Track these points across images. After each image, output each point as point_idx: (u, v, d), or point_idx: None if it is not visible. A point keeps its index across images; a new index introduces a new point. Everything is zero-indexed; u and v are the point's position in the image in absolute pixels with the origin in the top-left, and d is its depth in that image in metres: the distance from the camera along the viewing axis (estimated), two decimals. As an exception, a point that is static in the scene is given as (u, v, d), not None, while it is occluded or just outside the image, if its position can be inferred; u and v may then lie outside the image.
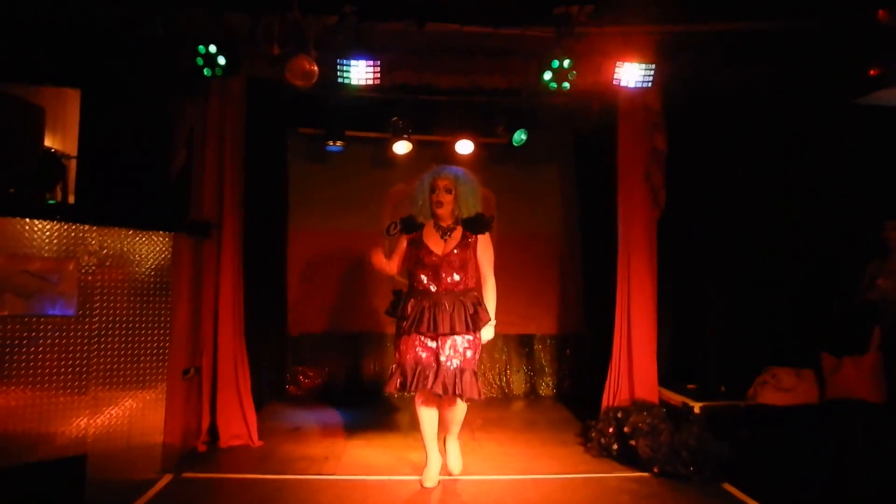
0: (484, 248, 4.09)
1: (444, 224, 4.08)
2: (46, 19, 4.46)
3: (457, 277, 3.99)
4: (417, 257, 4.02)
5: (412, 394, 4.03)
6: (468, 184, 4.08)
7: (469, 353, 3.96)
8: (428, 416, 4.09)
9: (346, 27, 4.59)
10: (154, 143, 4.79)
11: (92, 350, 3.71)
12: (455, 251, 3.99)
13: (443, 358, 3.91)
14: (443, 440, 4.30)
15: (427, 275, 3.99)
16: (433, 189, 4.06)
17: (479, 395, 3.94)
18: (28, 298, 3.42)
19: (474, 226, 4.08)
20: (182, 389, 4.52)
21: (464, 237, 4.05)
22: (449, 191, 4.03)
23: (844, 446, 4.38)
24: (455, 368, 3.89)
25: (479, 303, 4.04)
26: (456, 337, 3.92)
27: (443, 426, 4.19)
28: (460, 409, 4.08)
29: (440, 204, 4.03)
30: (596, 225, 5.99)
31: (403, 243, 4.15)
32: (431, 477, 4.10)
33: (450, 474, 4.25)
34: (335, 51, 4.67)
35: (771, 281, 5.49)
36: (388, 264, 4.14)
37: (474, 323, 3.96)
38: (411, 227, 4.13)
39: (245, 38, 4.70)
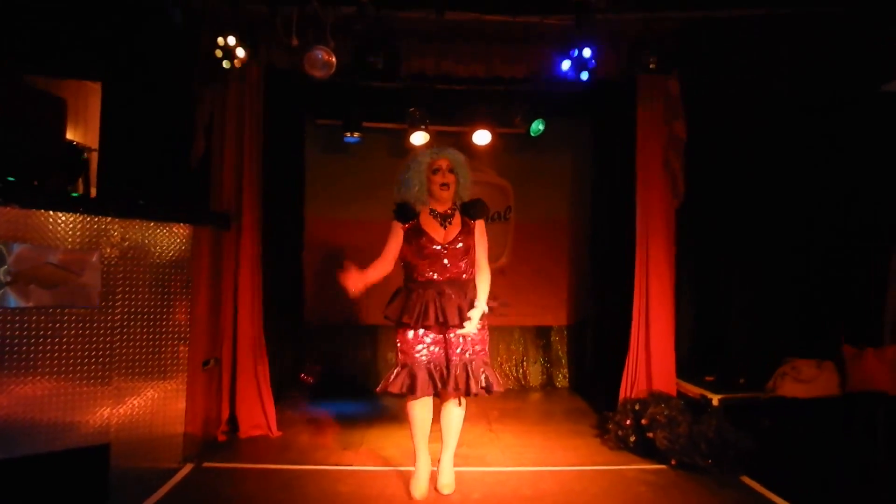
0: (481, 233, 3.79)
1: (442, 209, 3.73)
2: (67, 11, 4.48)
3: (460, 265, 3.68)
4: (417, 247, 3.65)
5: (419, 397, 3.67)
6: (464, 166, 3.75)
7: (479, 347, 3.71)
8: (422, 416, 3.76)
9: (365, 17, 4.57)
10: (174, 136, 4.83)
11: (115, 341, 3.75)
12: (458, 238, 3.68)
13: (455, 354, 3.65)
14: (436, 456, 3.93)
15: (429, 265, 3.65)
16: (435, 170, 3.68)
17: (500, 384, 3.72)
18: (52, 290, 3.46)
19: (474, 210, 3.77)
20: (202, 380, 4.57)
21: (464, 223, 3.73)
22: (451, 171, 3.69)
23: (866, 439, 4.34)
24: (471, 364, 3.65)
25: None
26: (463, 329, 3.64)
27: (440, 437, 3.86)
28: (458, 415, 3.79)
29: (446, 186, 3.68)
30: (613, 214, 5.95)
31: (400, 234, 3.73)
32: (421, 487, 3.78)
33: (438, 492, 3.82)
34: (353, 41, 4.66)
35: (791, 271, 5.43)
36: (375, 270, 3.65)
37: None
38: (409, 214, 3.73)
39: (263, 28, 4.71)
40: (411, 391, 3.59)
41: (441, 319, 3.58)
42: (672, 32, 4.91)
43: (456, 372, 3.62)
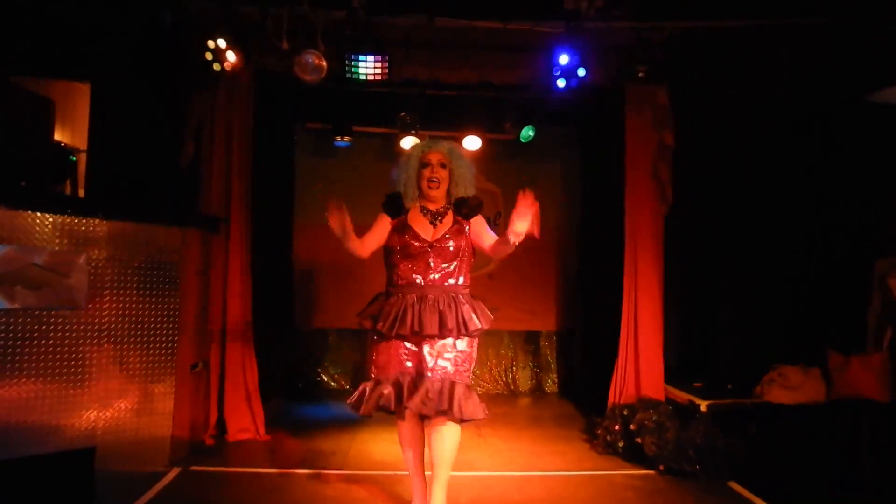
0: (482, 226, 3.38)
1: (433, 207, 3.37)
2: (56, 12, 4.46)
3: (448, 268, 3.25)
4: (402, 245, 3.26)
5: (393, 413, 3.29)
6: (462, 160, 3.41)
7: (461, 363, 3.21)
8: (412, 438, 3.37)
9: (356, 22, 4.58)
10: (163, 137, 4.82)
11: (102, 343, 3.72)
12: (447, 236, 3.27)
13: (427, 366, 3.16)
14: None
15: (413, 265, 3.24)
16: (424, 164, 3.34)
17: (484, 412, 3.20)
18: (38, 291, 3.43)
19: (466, 208, 3.37)
20: (190, 383, 4.54)
21: (455, 222, 3.34)
22: (444, 166, 3.34)
23: (852, 445, 4.36)
24: (443, 380, 3.14)
25: (475, 304, 3.31)
26: (445, 341, 3.18)
27: (429, 463, 3.35)
28: (450, 437, 3.21)
29: (435, 182, 3.32)
30: (602, 221, 5.98)
31: (385, 226, 3.35)
32: None
33: None
34: (344, 45, 4.67)
35: (778, 278, 5.47)
36: (358, 242, 3.23)
37: (469, 325, 3.19)
38: (398, 208, 3.37)
39: (254, 31, 4.71)
40: (385, 409, 3.20)
41: (416, 328, 3.14)
42: (662, 42, 4.94)
43: (427, 387, 3.12)
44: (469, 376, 3.26)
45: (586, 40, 4.75)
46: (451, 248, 3.27)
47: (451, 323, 3.14)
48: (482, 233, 3.35)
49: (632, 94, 5.19)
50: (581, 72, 4.76)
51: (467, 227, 3.35)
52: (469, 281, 3.36)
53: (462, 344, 3.22)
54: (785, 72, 5.06)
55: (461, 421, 3.16)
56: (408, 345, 3.24)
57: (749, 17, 4.74)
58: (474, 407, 3.17)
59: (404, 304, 3.20)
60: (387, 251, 3.37)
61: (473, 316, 3.23)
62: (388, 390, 3.19)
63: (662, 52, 4.94)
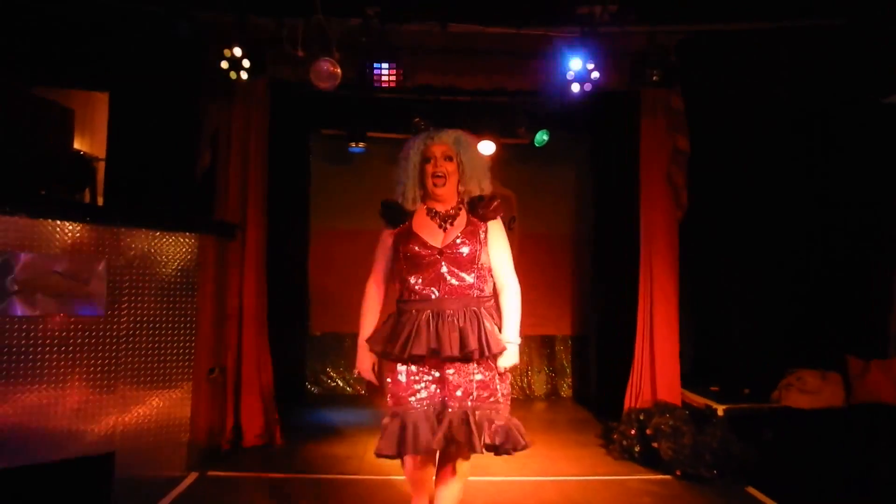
0: (498, 237, 2.86)
1: (442, 208, 2.86)
2: (76, 24, 4.54)
3: (466, 278, 2.76)
4: (408, 256, 2.79)
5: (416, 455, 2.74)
6: (472, 149, 2.92)
7: (490, 395, 2.72)
8: (418, 479, 2.89)
9: (370, 29, 4.62)
10: (180, 145, 4.87)
11: (120, 349, 3.76)
12: (460, 241, 2.77)
13: (453, 399, 2.70)
14: None
15: (424, 277, 2.76)
16: (427, 159, 2.85)
17: (524, 443, 2.71)
18: (58, 299, 3.48)
19: (484, 208, 2.85)
20: (207, 389, 4.58)
21: (469, 224, 2.83)
22: (449, 159, 2.84)
23: (870, 451, 4.32)
24: (474, 413, 2.66)
25: (496, 316, 2.84)
26: (470, 365, 2.71)
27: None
28: (454, 486, 2.82)
29: (440, 178, 2.81)
30: (617, 226, 5.97)
31: (388, 243, 2.89)
32: None
33: None
34: (359, 53, 4.70)
35: (796, 282, 5.43)
36: (367, 305, 2.95)
37: (492, 346, 2.70)
38: (396, 216, 2.88)
39: (269, 40, 4.75)
40: (402, 450, 2.67)
41: (434, 346, 2.66)
42: (675, 46, 4.93)
43: (451, 422, 2.65)
44: (505, 405, 2.78)
45: (600, 45, 4.75)
46: (466, 254, 2.76)
47: (473, 343, 2.66)
48: (497, 251, 2.85)
49: (646, 99, 5.19)
50: (595, 76, 4.75)
51: (483, 229, 2.83)
52: (492, 290, 2.86)
53: (488, 366, 2.75)
54: (798, 73, 5.04)
55: (504, 451, 2.68)
56: (426, 368, 2.75)
57: (757, 19, 4.72)
58: (508, 436, 2.67)
59: (418, 322, 2.70)
60: (396, 266, 2.89)
61: (498, 333, 2.75)
62: (408, 424, 2.67)
63: (676, 56, 4.92)
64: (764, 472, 4.23)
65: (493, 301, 2.84)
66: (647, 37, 4.93)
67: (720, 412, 4.67)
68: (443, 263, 2.76)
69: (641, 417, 4.74)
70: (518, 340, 2.80)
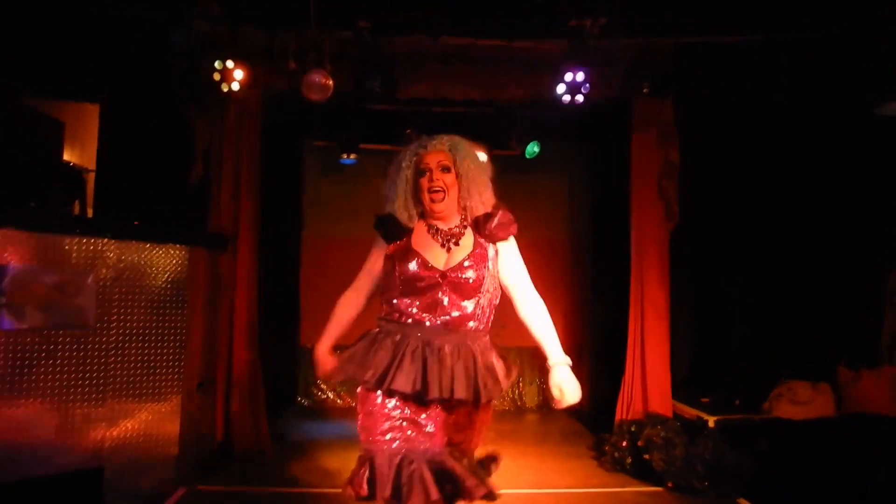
0: (513, 256, 2.56)
1: (444, 226, 2.51)
2: (66, 34, 4.53)
3: (467, 307, 2.41)
4: (404, 277, 2.42)
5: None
6: (471, 156, 2.56)
7: (475, 436, 2.47)
8: None
9: (362, 41, 4.63)
10: (172, 156, 4.86)
11: (109, 362, 3.74)
12: (467, 264, 2.42)
13: (429, 440, 2.34)
14: None
15: (420, 301, 2.40)
16: (421, 171, 2.50)
17: (491, 492, 2.45)
18: (47, 311, 3.46)
19: (493, 225, 2.51)
20: (197, 401, 4.55)
21: (478, 246, 2.49)
22: (446, 169, 2.49)
23: (862, 461, 4.33)
24: (445, 461, 2.33)
25: (494, 356, 2.48)
26: (456, 410, 2.36)
27: None
28: None
29: (437, 193, 2.46)
30: (608, 236, 5.99)
31: (380, 261, 2.53)
32: None
33: None
34: (351, 65, 4.71)
35: (787, 292, 5.45)
36: (339, 312, 2.63)
37: (488, 392, 2.35)
38: (394, 230, 2.52)
39: (262, 52, 4.76)
40: (372, 496, 2.33)
41: (418, 386, 2.28)
42: (666, 57, 4.97)
43: (428, 473, 2.29)
44: (474, 440, 2.50)
45: (591, 57, 4.77)
46: (472, 280, 2.42)
47: (464, 387, 2.30)
48: (513, 270, 2.54)
49: (637, 110, 5.21)
50: (585, 88, 4.77)
51: (493, 252, 2.51)
52: (488, 324, 2.51)
53: (476, 413, 2.43)
54: (790, 83, 5.05)
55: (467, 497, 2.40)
56: (405, 403, 2.35)
57: (752, 32, 4.76)
58: (479, 485, 2.39)
59: (403, 351, 2.33)
60: (383, 286, 2.52)
61: (492, 379, 2.40)
62: (377, 467, 2.31)
63: (666, 68, 4.96)
64: (755, 483, 4.23)
65: (487, 336, 2.51)
66: (637, 49, 4.96)
67: (711, 423, 4.67)
68: (443, 288, 2.40)
69: (633, 429, 4.74)
70: (569, 360, 2.45)
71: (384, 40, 4.75)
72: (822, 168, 5.35)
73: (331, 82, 4.58)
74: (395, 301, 2.45)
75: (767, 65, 4.96)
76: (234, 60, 4.55)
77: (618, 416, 5.13)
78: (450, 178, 2.49)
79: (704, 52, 5.00)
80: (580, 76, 4.75)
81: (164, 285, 4.02)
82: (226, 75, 4.56)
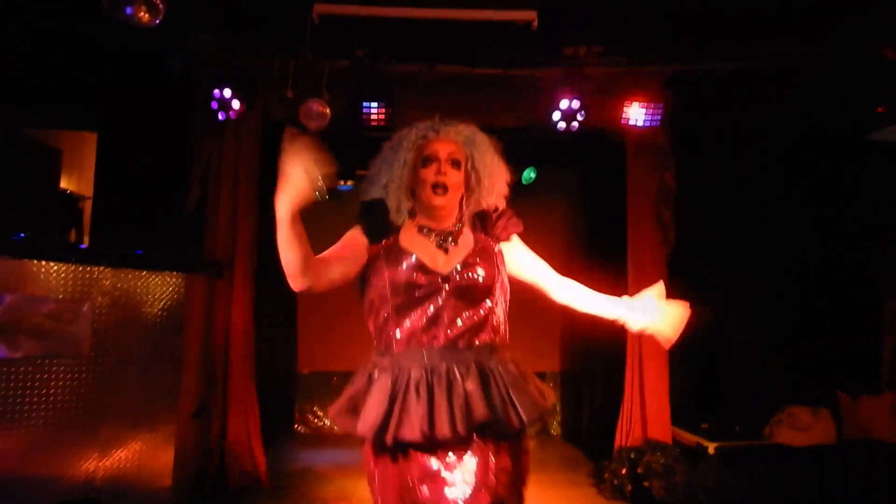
0: (523, 250, 2.24)
1: (437, 225, 2.10)
2: (63, 62, 4.56)
3: (475, 318, 2.00)
4: (399, 282, 1.98)
5: None
6: (490, 153, 2.17)
7: (508, 483, 1.91)
8: None
9: (359, 69, 4.67)
10: (169, 184, 4.86)
11: (104, 391, 3.70)
12: (472, 262, 2.04)
13: (451, 496, 1.83)
14: None
15: (417, 316, 1.97)
16: (427, 159, 2.06)
17: None
18: (42, 340, 3.43)
19: (495, 225, 2.18)
20: (192, 430, 4.50)
21: (479, 244, 2.11)
22: (457, 164, 2.07)
23: (863, 487, 4.30)
24: None
25: (522, 375, 2.02)
26: (482, 447, 1.89)
27: None
28: None
29: (441, 189, 2.04)
30: (605, 262, 5.98)
31: (358, 246, 2.08)
32: None
33: None
34: (348, 92, 4.75)
35: (787, 318, 5.44)
36: (312, 258, 2.01)
37: (519, 414, 1.90)
38: (381, 226, 2.09)
39: (260, 79, 4.79)
40: None
41: (426, 430, 1.82)
42: (660, 84, 5.01)
43: None
44: (519, 493, 1.97)
45: (586, 84, 4.81)
46: (483, 279, 2.01)
47: (483, 407, 1.86)
48: (530, 262, 2.23)
49: (632, 137, 5.24)
50: (581, 115, 4.81)
51: (497, 247, 2.15)
52: (507, 334, 2.13)
53: (507, 448, 1.93)
54: (785, 109, 5.08)
55: None
56: (423, 455, 1.87)
57: (746, 59, 4.81)
58: None
59: (405, 388, 1.88)
60: (368, 295, 2.07)
61: (521, 397, 1.93)
62: None
63: (661, 94, 5.00)
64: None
65: (508, 348, 2.09)
66: (632, 76, 5.00)
67: (711, 450, 4.64)
68: (447, 296, 1.97)
69: (632, 456, 4.70)
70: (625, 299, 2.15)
71: (381, 68, 4.79)
72: (821, 193, 5.37)
73: (328, 110, 4.61)
74: (387, 327, 1.99)
75: (761, 93, 5.01)
76: (231, 88, 4.57)
77: (617, 443, 5.09)
78: (458, 177, 2.07)
79: (700, 79, 5.05)
80: (575, 104, 4.78)
81: (159, 312, 4.01)
82: (223, 103, 4.59)
